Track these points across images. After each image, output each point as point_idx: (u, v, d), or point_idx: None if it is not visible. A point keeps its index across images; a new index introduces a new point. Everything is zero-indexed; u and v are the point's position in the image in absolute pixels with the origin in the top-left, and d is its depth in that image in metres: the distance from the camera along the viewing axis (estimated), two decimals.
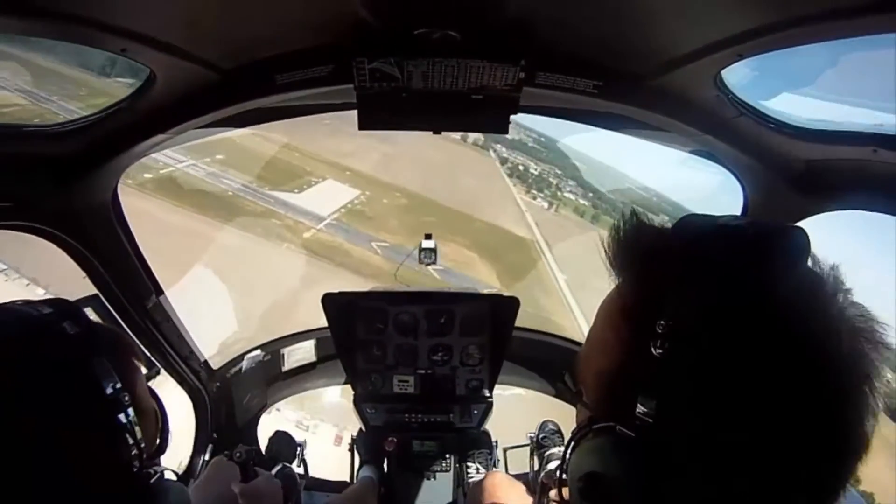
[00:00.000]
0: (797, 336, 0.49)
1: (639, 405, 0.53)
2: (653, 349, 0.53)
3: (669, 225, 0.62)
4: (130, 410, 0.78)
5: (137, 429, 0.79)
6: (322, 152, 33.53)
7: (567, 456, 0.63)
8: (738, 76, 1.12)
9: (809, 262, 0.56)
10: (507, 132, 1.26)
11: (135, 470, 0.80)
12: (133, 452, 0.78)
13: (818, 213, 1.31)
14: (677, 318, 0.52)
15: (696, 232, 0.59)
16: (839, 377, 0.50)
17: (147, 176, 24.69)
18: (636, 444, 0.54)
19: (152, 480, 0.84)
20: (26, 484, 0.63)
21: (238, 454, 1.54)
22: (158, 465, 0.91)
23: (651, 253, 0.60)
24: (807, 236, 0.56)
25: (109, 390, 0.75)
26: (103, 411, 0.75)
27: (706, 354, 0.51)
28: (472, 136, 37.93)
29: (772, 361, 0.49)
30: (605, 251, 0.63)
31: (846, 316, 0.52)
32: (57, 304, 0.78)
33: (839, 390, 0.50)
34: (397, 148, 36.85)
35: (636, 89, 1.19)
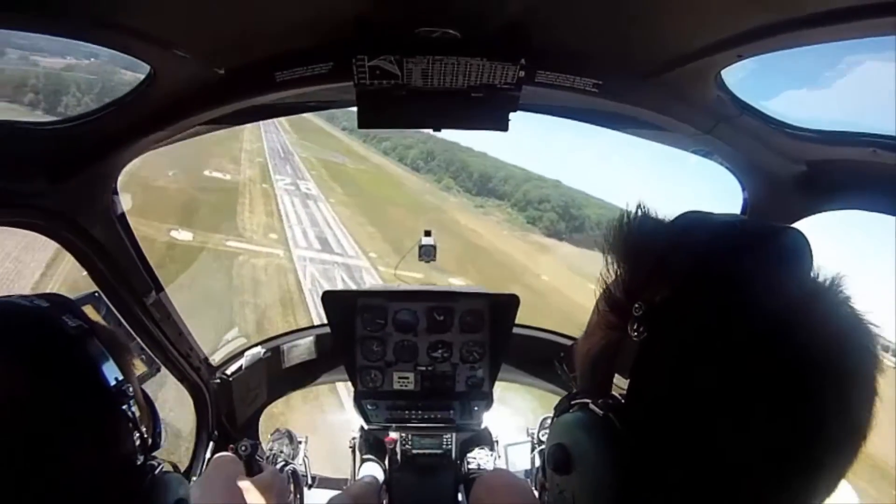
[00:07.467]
0: (773, 328, 0.49)
1: (614, 385, 0.56)
2: (630, 331, 0.54)
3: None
4: (133, 402, 0.76)
5: (140, 421, 0.78)
6: None
7: (549, 426, 0.66)
8: (739, 76, 1.12)
9: (812, 268, 0.55)
10: (506, 129, 1.26)
11: (138, 463, 0.79)
12: (137, 444, 0.77)
13: (817, 212, 1.32)
14: (654, 301, 0.54)
15: (689, 223, 0.60)
16: (816, 375, 0.48)
17: None
18: (604, 421, 0.55)
19: (155, 472, 0.83)
20: (27, 477, 0.63)
21: (243, 447, 1.55)
22: (155, 460, 0.91)
23: (643, 241, 0.61)
24: (804, 238, 0.56)
25: (113, 381, 0.74)
26: (107, 402, 0.74)
27: (676, 338, 0.52)
28: None
29: (738, 347, 0.49)
30: (605, 238, 0.64)
31: (837, 315, 0.51)
32: (53, 298, 0.77)
33: (813, 387, 0.48)
34: None
35: (636, 89, 1.19)
